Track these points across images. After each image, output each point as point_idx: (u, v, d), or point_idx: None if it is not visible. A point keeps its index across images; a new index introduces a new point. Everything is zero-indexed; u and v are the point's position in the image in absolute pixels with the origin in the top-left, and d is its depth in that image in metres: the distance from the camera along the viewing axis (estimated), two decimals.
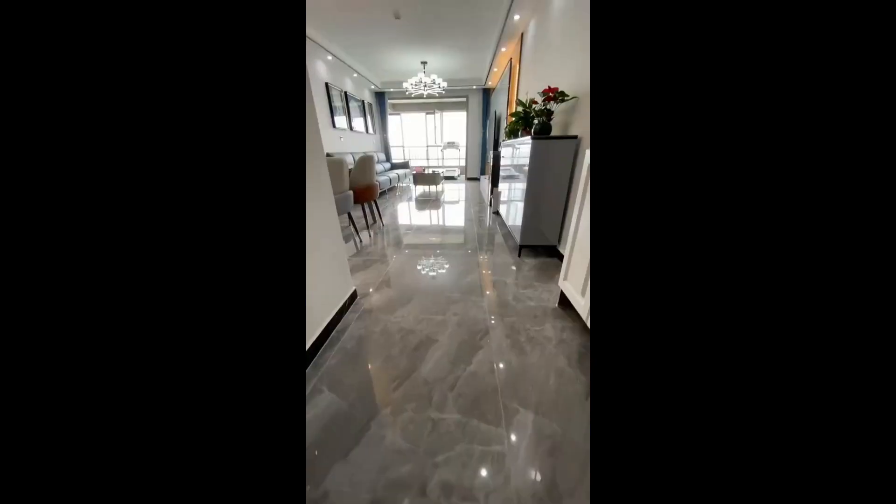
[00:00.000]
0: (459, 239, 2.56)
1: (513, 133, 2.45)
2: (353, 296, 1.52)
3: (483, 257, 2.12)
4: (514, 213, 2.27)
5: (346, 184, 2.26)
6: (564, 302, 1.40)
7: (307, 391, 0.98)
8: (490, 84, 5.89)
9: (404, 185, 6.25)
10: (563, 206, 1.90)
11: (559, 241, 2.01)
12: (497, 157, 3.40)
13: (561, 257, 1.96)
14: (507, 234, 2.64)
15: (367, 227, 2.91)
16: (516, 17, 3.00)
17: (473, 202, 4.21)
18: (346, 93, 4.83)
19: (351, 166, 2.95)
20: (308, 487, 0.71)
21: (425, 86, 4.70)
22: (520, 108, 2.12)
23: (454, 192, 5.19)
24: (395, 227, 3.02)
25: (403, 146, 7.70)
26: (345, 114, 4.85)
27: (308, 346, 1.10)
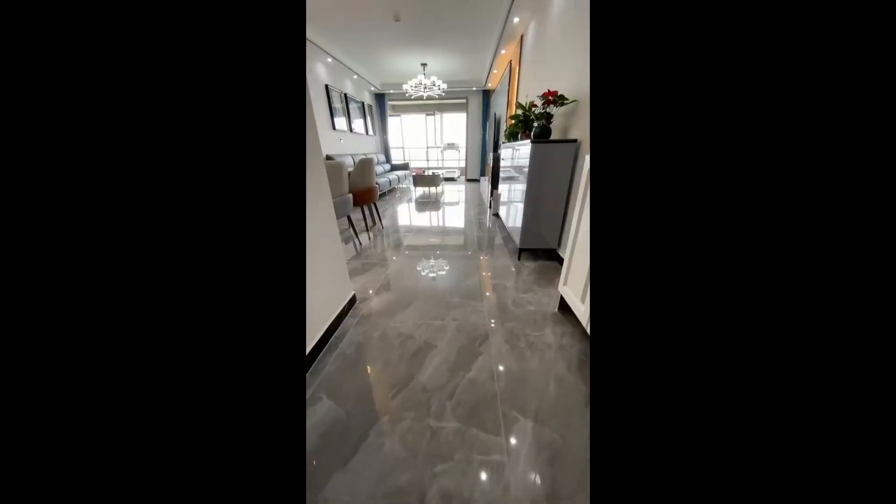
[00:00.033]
0: (459, 242, 2.56)
1: (512, 136, 2.45)
2: (353, 300, 1.52)
3: (482, 260, 2.11)
4: (513, 215, 2.26)
5: (346, 187, 2.26)
6: (564, 307, 1.40)
7: (306, 398, 0.97)
8: (490, 86, 5.89)
9: (404, 186, 6.25)
10: (562, 210, 1.90)
11: (559, 244, 2.01)
12: (497, 159, 3.40)
13: (560, 261, 1.95)
14: (507, 236, 2.64)
15: (367, 230, 2.91)
16: (516, 20, 3.00)
17: (473, 204, 4.21)
18: (345, 94, 4.83)
19: (351, 168, 2.95)
20: (308, 497, 0.70)
21: (425, 88, 4.70)
22: (519, 111, 2.12)
23: (454, 194, 5.19)
24: (395, 229, 3.02)
25: (403, 147, 7.70)
26: (345, 115, 4.85)
27: (307, 351, 1.09)
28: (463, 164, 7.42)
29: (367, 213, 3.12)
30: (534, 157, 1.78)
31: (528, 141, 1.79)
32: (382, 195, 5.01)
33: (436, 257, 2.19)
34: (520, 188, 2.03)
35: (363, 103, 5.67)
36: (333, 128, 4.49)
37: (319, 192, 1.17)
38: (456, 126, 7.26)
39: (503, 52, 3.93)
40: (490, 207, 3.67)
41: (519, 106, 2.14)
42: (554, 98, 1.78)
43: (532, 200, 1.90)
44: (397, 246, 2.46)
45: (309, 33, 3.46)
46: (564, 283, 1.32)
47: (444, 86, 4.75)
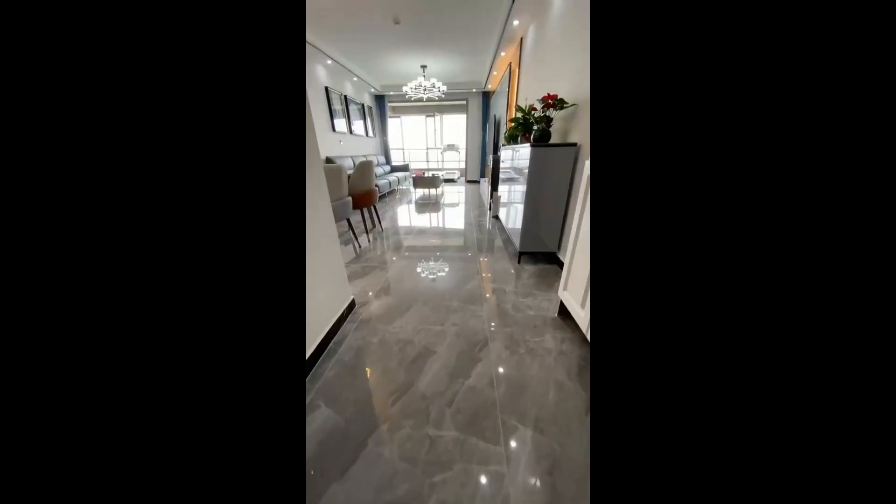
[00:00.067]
0: (459, 245, 2.55)
1: (512, 139, 2.45)
2: (352, 305, 1.51)
3: (482, 264, 2.11)
4: (513, 218, 2.26)
5: (345, 190, 2.26)
6: (564, 311, 1.39)
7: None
8: (490, 87, 5.89)
9: (404, 187, 6.25)
10: (562, 213, 1.89)
11: (559, 247, 2.00)
12: (497, 162, 3.40)
13: (560, 264, 1.95)
14: (507, 239, 2.64)
15: (367, 232, 2.90)
16: (515, 23, 3.00)
17: (473, 205, 4.21)
18: (345, 96, 4.83)
19: (350, 171, 2.95)
20: None
21: (425, 89, 4.70)
22: (519, 115, 2.12)
23: (454, 195, 5.18)
24: (395, 230, 3.01)
25: (403, 149, 7.70)
26: (344, 117, 4.85)
27: (305, 357, 1.09)
28: (463, 166, 7.43)
29: (366, 215, 3.12)
30: (533, 160, 1.77)
31: (528, 144, 1.79)
32: (382, 197, 5.00)
33: (435, 260, 2.19)
34: (519, 191, 2.03)
35: (363, 105, 5.67)
36: (333, 130, 4.49)
37: (318, 196, 1.17)
38: (456, 127, 7.27)
39: (503, 54, 3.93)
40: (490, 209, 3.67)
41: (518, 109, 2.14)
42: (553, 102, 1.78)
43: (532, 204, 1.89)
44: (397, 248, 2.46)
45: (309, 36, 3.46)
46: (564, 288, 1.32)
47: (444, 88, 4.75)
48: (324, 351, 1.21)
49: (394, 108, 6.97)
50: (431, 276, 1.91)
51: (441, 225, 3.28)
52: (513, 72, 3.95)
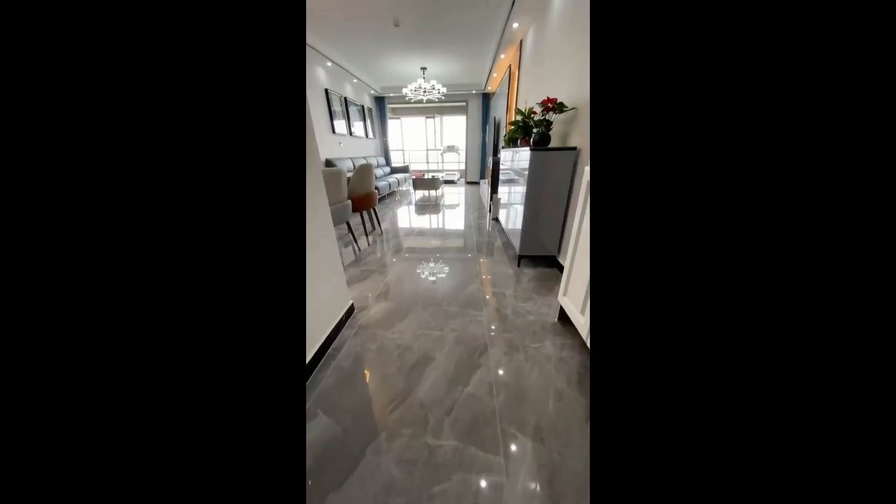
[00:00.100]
0: (459, 247, 2.55)
1: (512, 141, 2.44)
2: (350, 310, 1.50)
3: (482, 267, 2.10)
4: (513, 221, 2.25)
5: (345, 193, 2.25)
6: (563, 316, 1.39)
7: None
8: (490, 89, 5.89)
9: (404, 189, 6.24)
10: (562, 216, 1.89)
11: (559, 251, 2.00)
12: (496, 164, 3.39)
13: (560, 268, 1.94)
14: (507, 242, 2.63)
15: (366, 235, 2.90)
16: (515, 25, 3.00)
17: (473, 207, 4.20)
18: (345, 98, 4.83)
19: (350, 173, 2.95)
20: None
21: (425, 91, 4.70)
22: (519, 118, 2.12)
23: (454, 196, 5.18)
24: (395, 233, 3.01)
25: (403, 150, 7.71)
26: (344, 119, 4.85)
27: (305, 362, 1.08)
28: (463, 167, 7.42)
29: (366, 217, 3.11)
30: (533, 164, 1.77)
31: (528, 148, 1.78)
32: (382, 198, 5.00)
33: (435, 264, 2.18)
34: (519, 194, 2.02)
35: (363, 106, 5.67)
36: (333, 131, 4.49)
37: (316, 200, 1.16)
38: (456, 129, 7.27)
39: (503, 56, 3.93)
40: (490, 211, 3.67)
41: (518, 112, 2.13)
42: (553, 106, 1.77)
43: (531, 207, 1.89)
44: (396, 252, 2.45)
45: (309, 38, 3.46)
46: (564, 294, 1.31)
47: (444, 89, 4.75)
48: (322, 357, 1.20)
49: (394, 110, 6.97)
50: (431, 280, 1.91)
51: (441, 226, 3.28)
52: (512, 74, 3.95)
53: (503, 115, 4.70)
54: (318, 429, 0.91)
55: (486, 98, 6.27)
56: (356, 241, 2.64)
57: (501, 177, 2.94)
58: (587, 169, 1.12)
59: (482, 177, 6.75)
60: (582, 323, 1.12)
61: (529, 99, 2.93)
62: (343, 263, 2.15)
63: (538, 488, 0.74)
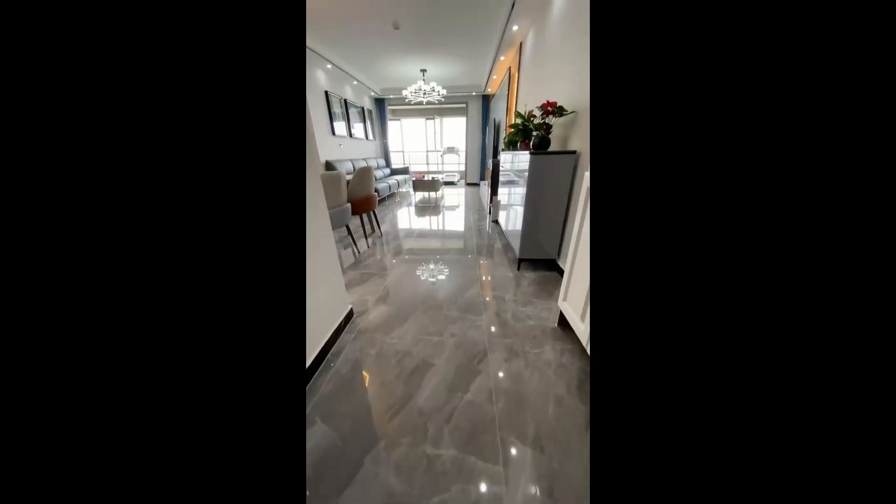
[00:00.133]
0: (459, 251, 2.54)
1: (511, 144, 2.44)
2: (350, 315, 1.50)
3: (482, 271, 2.10)
4: (513, 224, 2.25)
5: (344, 196, 2.25)
6: (563, 321, 1.38)
7: None
8: (490, 91, 5.89)
9: (404, 190, 6.24)
10: (562, 220, 1.88)
11: (558, 254, 1.99)
12: (496, 166, 3.39)
13: (560, 271, 1.94)
14: (507, 244, 2.63)
15: (366, 237, 2.89)
16: (515, 28, 3.00)
17: (473, 209, 4.20)
18: (345, 100, 4.83)
19: (350, 175, 2.94)
20: None
21: (425, 93, 4.70)
22: (518, 121, 2.11)
23: (454, 198, 5.18)
24: (395, 235, 3.00)
25: (403, 151, 7.71)
26: (344, 120, 4.85)
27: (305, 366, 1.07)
28: (463, 168, 7.42)
29: (365, 220, 3.11)
30: (533, 168, 1.76)
31: (528, 152, 1.78)
32: (382, 200, 4.99)
33: (435, 268, 2.17)
34: (519, 198, 2.02)
35: (363, 108, 5.67)
36: (333, 133, 4.49)
37: (315, 204, 1.15)
38: (456, 130, 7.27)
39: (502, 58, 3.93)
40: (490, 213, 3.66)
41: (518, 115, 2.13)
42: (553, 109, 1.77)
43: (531, 211, 1.88)
44: (396, 254, 2.44)
45: (309, 41, 3.46)
46: (564, 299, 1.30)
47: (444, 91, 4.75)
48: (321, 363, 1.19)
49: (394, 111, 6.97)
50: (430, 284, 1.90)
51: (441, 227, 3.27)
52: (512, 76, 3.95)
53: (503, 116, 4.70)
54: (316, 437, 0.90)
55: (486, 100, 6.27)
56: (356, 244, 2.63)
57: (501, 178, 2.94)
58: (587, 175, 1.12)
59: (482, 178, 6.75)
60: (582, 329, 1.12)
61: (529, 101, 2.92)
62: (342, 266, 2.15)
63: (538, 499, 0.73)
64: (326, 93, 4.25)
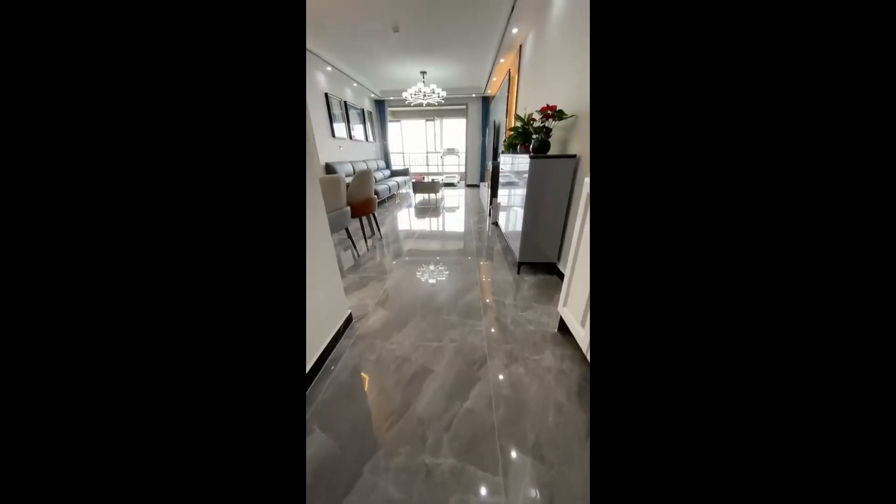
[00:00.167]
0: (458, 252, 2.54)
1: (511, 147, 2.44)
2: (349, 320, 1.49)
3: (481, 274, 2.09)
4: (512, 227, 2.24)
5: (343, 200, 2.24)
6: (563, 327, 1.37)
7: None
8: (489, 92, 5.90)
9: (404, 191, 6.24)
10: (562, 224, 1.88)
11: (558, 258, 1.99)
12: (496, 168, 3.39)
13: (560, 275, 1.93)
14: (507, 247, 2.62)
15: (365, 240, 2.89)
16: (514, 31, 3.00)
17: (473, 211, 4.19)
18: (345, 102, 4.83)
19: (350, 177, 2.94)
20: None
21: (424, 95, 4.70)
22: (518, 124, 2.11)
23: (454, 199, 5.17)
24: (395, 237, 2.99)
25: (403, 153, 7.71)
26: (344, 122, 4.85)
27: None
28: (462, 170, 7.42)
29: (365, 222, 3.10)
30: (533, 171, 1.76)
31: (528, 155, 1.78)
32: (382, 202, 4.99)
33: (434, 271, 2.17)
34: (519, 200, 2.01)
35: (363, 110, 5.67)
36: (333, 135, 4.49)
37: (314, 207, 1.15)
38: (456, 131, 7.27)
39: (502, 61, 3.93)
40: (489, 215, 3.66)
41: (518, 118, 2.13)
42: (552, 113, 1.77)
43: (531, 214, 1.88)
44: (396, 257, 2.44)
45: (309, 44, 3.47)
46: (564, 304, 1.30)
47: (444, 93, 4.75)
48: (319, 369, 1.19)
49: (394, 113, 6.97)
50: (430, 287, 1.89)
51: (441, 229, 3.27)
52: (512, 78, 3.95)
53: (503, 118, 4.70)
54: (314, 445, 0.90)
55: (486, 101, 6.28)
56: (355, 246, 2.63)
57: (501, 180, 2.94)
58: (587, 180, 1.11)
59: (482, 179, 6.74)
60: (582, 336, 1.11)
61: (529, 104, 2.92)
62: (342, 269, 2.14)
63: None
64: (326, 95, 4.25)
